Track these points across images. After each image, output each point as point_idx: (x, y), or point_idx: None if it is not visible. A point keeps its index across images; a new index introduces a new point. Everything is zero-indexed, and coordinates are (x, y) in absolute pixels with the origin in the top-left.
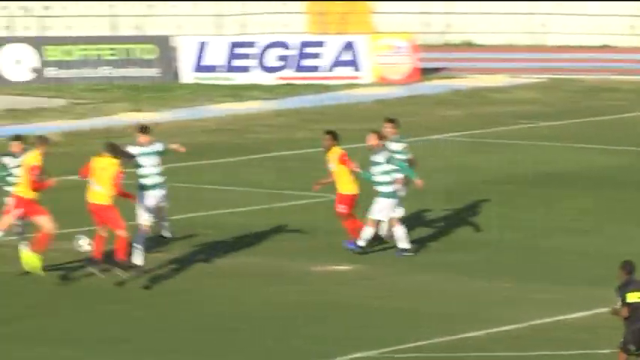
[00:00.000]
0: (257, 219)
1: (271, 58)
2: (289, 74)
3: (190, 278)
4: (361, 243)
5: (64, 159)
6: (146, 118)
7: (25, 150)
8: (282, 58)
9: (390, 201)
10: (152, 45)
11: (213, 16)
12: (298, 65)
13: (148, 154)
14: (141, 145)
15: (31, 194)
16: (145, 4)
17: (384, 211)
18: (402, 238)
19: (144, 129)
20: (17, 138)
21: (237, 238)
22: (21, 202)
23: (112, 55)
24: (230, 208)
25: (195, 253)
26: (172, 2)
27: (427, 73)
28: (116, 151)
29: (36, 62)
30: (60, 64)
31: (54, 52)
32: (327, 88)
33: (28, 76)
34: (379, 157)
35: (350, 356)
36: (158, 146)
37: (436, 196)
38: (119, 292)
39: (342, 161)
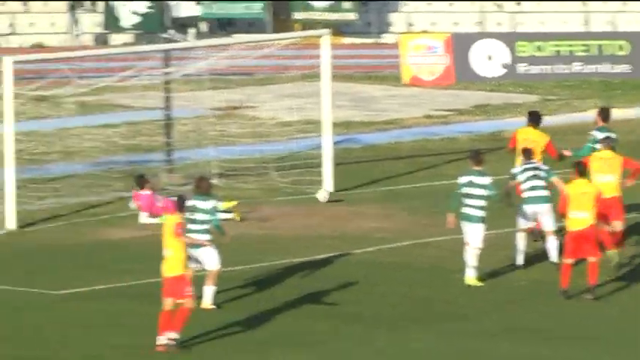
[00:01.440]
0: None
1: None
2: None
3: None
4: None
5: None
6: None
7: None
8: None
9: None
10: (624, 41)
11: None
12: None
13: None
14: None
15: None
16: (620, 2)
17: None
18: None
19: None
20: None
21: None
22: None
23: (584, 51)
24: None
25: None
26: None
27: None
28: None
29: (507, 58)
30: (531, 60)
31: (525, 48)
32: None
33: (499, 71)
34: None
35: None
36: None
37: None
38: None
39: None
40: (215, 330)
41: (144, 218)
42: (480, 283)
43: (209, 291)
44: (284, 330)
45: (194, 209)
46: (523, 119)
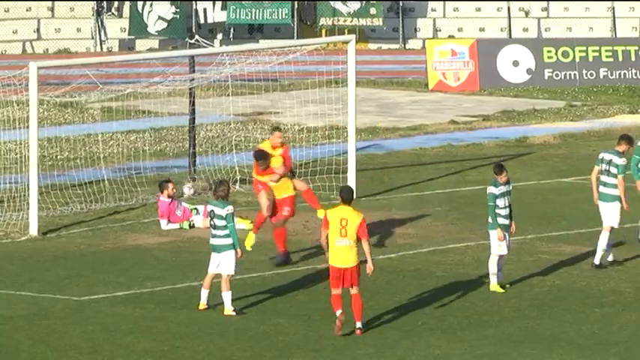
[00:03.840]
0: None
1: None
2: None
3: None
4: None
5: (558, 160)
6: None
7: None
8: None
9: None
10: None
11: None
12: None
13: None
14: None
15: None
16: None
17: None
18: None
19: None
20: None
21: None
22: None
23: (610, 57)
24: None
25: None
26: None
27: None
28: None
29: (533, 64)
30: (557, 66)
31: (551, 54)
32: None
33: (525, 77)
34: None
35: None
36: None
37: None
38: (609, 295)
39: None
40: (236, 336)
41: (164, 225)
42: (502, 290)
43: (227, 296)
44: (305, 335)
45: (213, 215)
46: (548, 125)
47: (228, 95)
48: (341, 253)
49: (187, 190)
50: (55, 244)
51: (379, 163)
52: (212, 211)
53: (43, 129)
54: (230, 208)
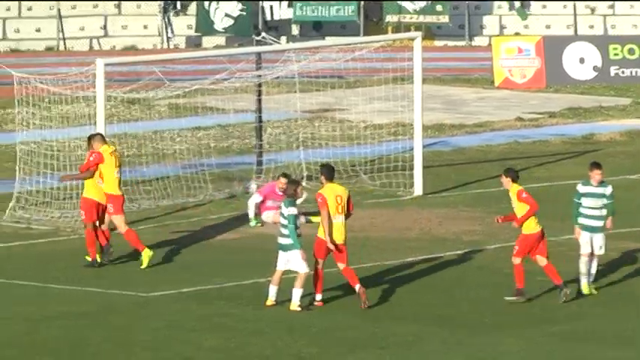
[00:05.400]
0: None
1: None
2: None
3: None
4: None
5: (625, 157)
6: None
7: None
8: None
9: None
10: None
11: None
12: None
13: None
14: None
15: None
16: None
17: None
18: None
19: None
20: None
21: None
22: None
23: None
24: None
25: None
26: None
27: None
28: None
29: (599, 61)
30: (623, 63)
31: (617, 51)
32: None
33: (591, 74)
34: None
35: None
36: None
37: None
38: None
39: None
40: (302, 332)
41: (265, 216)
42: (589, 292)
43: (297, 293)
44: (371, 332)
45: (281, 213)
46: (614, 123)
47: (295, 92)
48: (339, 229)
49: (253, 186)
50: (122, 240)
51: (445, 160)
52: (281, 208)
53: (111, 125)
54: (292, 210)
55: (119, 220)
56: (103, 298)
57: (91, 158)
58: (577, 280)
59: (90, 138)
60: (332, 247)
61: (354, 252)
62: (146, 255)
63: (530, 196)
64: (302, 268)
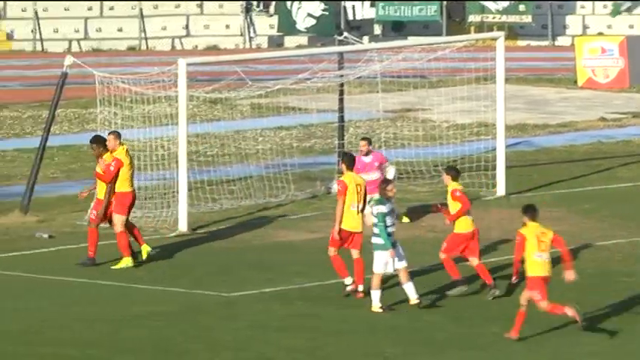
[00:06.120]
0: None
1: None
2: None
3: None
4: None
5: None
6: None
7: None
8: None
9: None
10: None
11: None
12: None
13: None
14: None
15: None
16: None
17: None
18: None
19: None
20: None
21: None
22: None
23: None
24: None
25: None
26: None
27: None
28: None
29: None
30: None
31: None
32: None
33: None
34: None
35: None
36: None
37: None
38: None
39: None
40: (386, 332)
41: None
42: None
43: (409, 287)
44: (456, 333)
45: (372, 213)
46: None
47: (377, 92)
48: (355, 218)
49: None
50: (204, 240)
51: (529, 160)
52: (371, 208)
53: (194, 125)
54: (380, 208)
55: (119, 220)
56: (186, 298)
57: (112, 168)
58: None
59: (96, 141)
60: (337, 236)
61: (432, 252)
62: (144, 250)
63: (463, 196)
64: (373, 267)
